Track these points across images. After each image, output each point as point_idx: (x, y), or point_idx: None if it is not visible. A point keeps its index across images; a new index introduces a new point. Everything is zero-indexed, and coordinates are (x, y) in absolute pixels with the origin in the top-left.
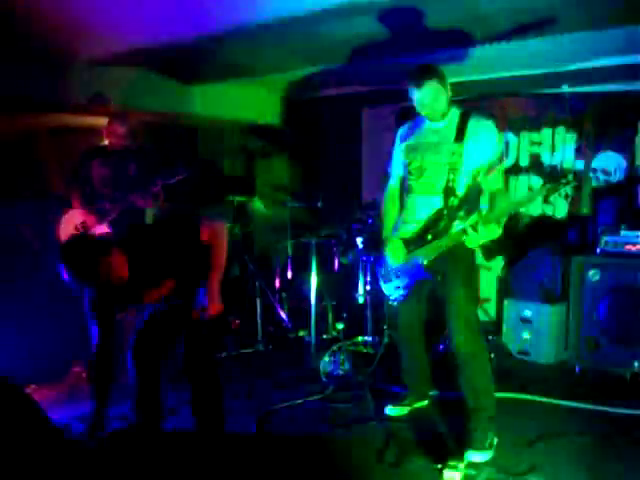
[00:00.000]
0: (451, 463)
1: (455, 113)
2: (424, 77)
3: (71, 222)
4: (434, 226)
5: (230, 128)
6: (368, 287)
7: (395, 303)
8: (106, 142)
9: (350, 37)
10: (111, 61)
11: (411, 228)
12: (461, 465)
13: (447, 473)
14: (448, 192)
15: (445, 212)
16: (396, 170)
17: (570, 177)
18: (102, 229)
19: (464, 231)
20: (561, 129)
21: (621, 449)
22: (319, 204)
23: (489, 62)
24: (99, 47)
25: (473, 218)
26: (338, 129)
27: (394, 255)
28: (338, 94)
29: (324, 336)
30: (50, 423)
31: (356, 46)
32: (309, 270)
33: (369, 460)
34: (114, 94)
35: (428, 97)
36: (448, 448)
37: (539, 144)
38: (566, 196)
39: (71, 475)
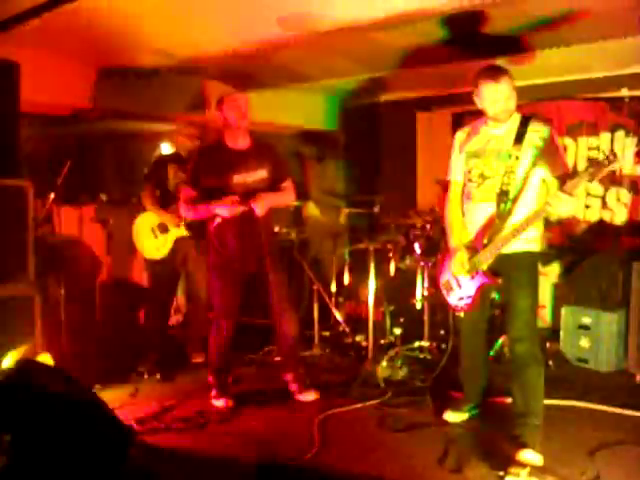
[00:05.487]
0: (513, 470)
1: (516, 118)
2: (501, 73)
3: (146, 224)
4: (488, 231)
5: (284, 133)
6: (426, 292)
7: (461, 313)
8: (174, 148)
9: (406, 43)
10: (171, 70)
11: (470, 235)
12: (523, 472)
13: None
14: (502, 196)
15: (499, 216)
16: (456, 177)
17: (612, 157)
18: (178, 231)
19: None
20: (620, 133)
21: None
22: (376, 209)
23: (546, 66)
24: (158, 57)
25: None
26: (393, 134)
27: (461, 266)
28: (393, 99)
29: (381, 341)
30: (122, 424)
31: (412, 52)
32: (366, 275)
33: (430, 466)
34: (175, 102)
35: (503, 94)
36: (509, 455)
37: (597, 149)
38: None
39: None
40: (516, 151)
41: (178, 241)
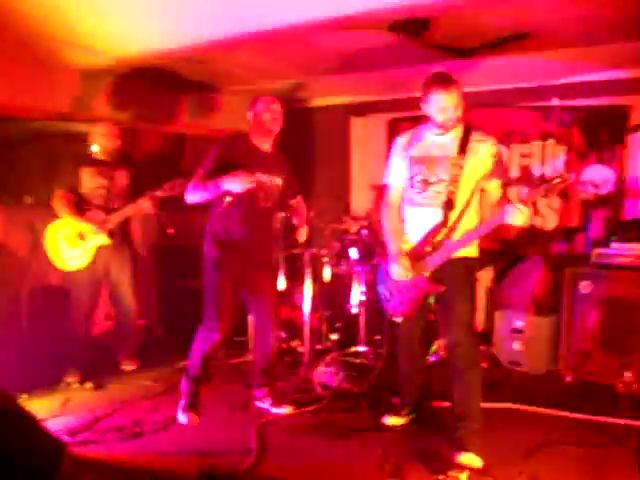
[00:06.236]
0: (453, 473)
1: (459, 127)
2: (452, 82)
3: (61, 232)
4: (432, 238)
5: (217, 137)
6: (362, 297)
7: (398, 319)
8: (95, 149)
9: (341, 48)
10: (99, 71)
11: (411, 241)
12: (463, 475)
13: None
14: (448, 205)
15: (445, 224)
16: (397, 182)
17: (566, 175)
18: (99, 239)
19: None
20: (551, 142)
21: (617, 458)
22: (310, 214)
23: (479, 75)
24: (89, 57)
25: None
26: (327, 138)
27: (403, 272)
28: (327, 103)
29: (317, 347)
30: (51, 436)
31: (347, 57)
32: (302, 280)
33: (369, 471)
34: (100, 103)
35: (452, 102)
36: (447, 459)
37: (529, 156)
38: (553, 206)
39: None
40: (460, 160)
41: (99, 249)
